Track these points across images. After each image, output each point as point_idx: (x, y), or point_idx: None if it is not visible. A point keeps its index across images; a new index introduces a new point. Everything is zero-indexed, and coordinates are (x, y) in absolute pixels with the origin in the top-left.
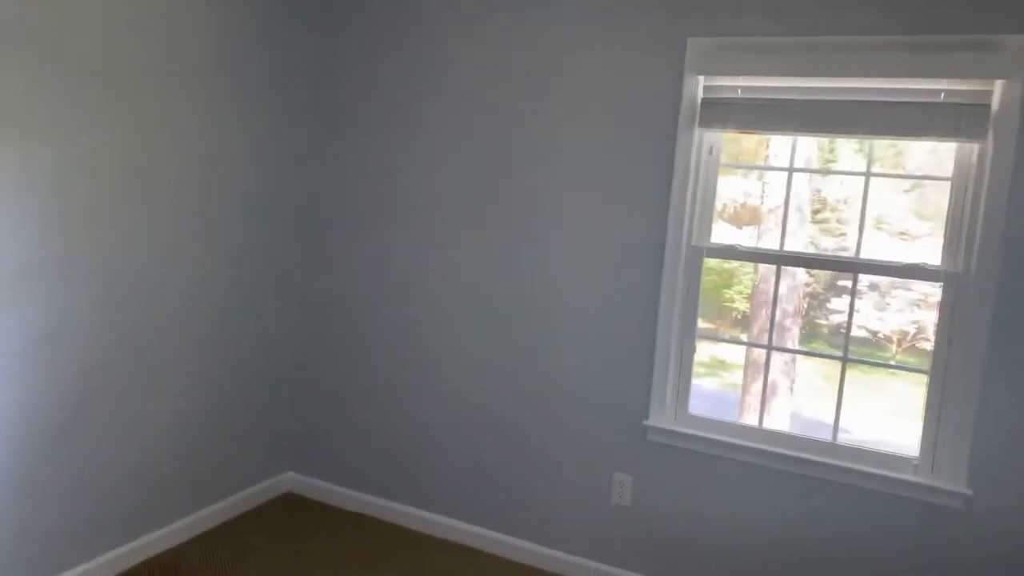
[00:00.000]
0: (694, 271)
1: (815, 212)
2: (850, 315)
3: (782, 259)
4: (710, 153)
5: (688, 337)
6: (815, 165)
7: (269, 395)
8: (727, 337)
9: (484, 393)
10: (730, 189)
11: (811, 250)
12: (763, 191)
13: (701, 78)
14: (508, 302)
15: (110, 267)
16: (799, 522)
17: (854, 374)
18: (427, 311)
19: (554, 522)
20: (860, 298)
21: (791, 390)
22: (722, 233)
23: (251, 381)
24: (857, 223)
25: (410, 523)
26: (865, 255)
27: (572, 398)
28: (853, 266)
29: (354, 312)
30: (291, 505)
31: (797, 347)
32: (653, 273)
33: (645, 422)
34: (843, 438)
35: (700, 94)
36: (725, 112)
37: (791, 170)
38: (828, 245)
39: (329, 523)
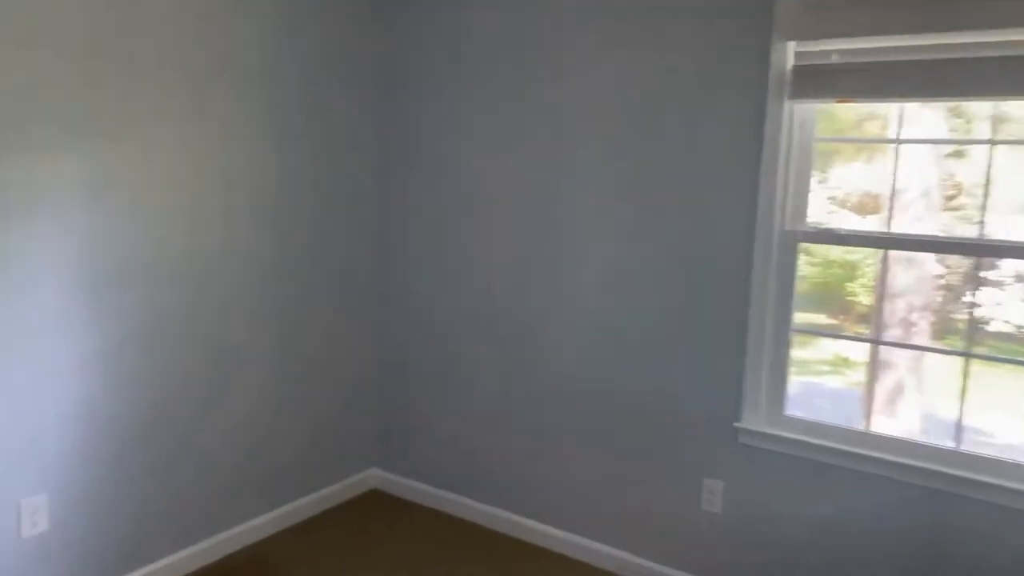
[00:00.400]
0: (788, 258)
1: (949, 198)
2: (980, 307)
3: (890, 242)
4: (802, 127)
5: (782, 332)
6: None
7: (352, 392)
8: (832, 332)
9: (568, 396)
10: (847, 172)
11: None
12: (889, 173)
13: (791, 44)
14: (587, 299)
15: (192, 268)
16: (912, 537)
17: (995, 373)
18: (507, 310)
19: (642, 528)
20: (1002, 289)
21: (919, 390)
22: (840, 221)
23: (334, 378)
24: (997, 209)
25: (495, 524)
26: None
27: (658, 398)
28: (981, 249)
29: (439, 311)
30: (376, 502)
31: (928, 344)
32: (742, 261)
33: (736, 424)
34: (977, 445)
35: (790, 61)
36: (820, 80)
37: (898, 141)
38: (965, 234)
39: (413, 521)
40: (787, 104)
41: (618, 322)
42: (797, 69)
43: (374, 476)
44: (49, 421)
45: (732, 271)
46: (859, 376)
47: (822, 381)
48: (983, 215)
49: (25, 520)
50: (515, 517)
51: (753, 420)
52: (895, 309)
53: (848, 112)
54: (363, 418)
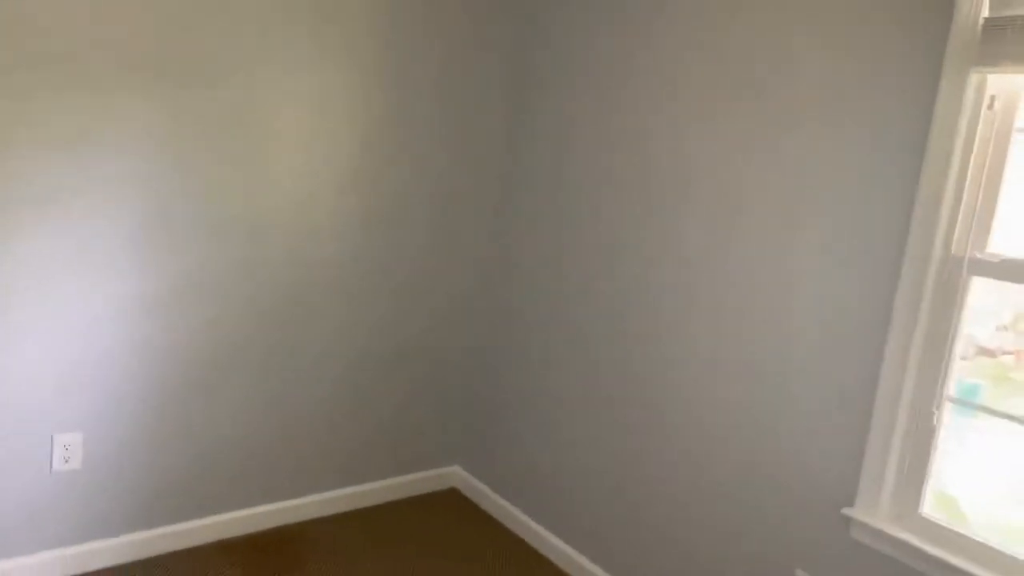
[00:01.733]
0: (949, 295)
1: None
2: None
3: None
4: (991, 107)
5: (930, 395)
6: None
7: (446, 385)
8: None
9: (669, 453)
10: None
11: None
12: None
13: None
14: (705, 349)
15: (290, 229)
16: None
17: None
18: (622, 348)
19: None
20: None
21: None
22: None
23: (430, 365)
24: None
25: (565, 565)
26: None
27: (760, 465)
28: None
29: (543, 327)
30: (450, 503)
31: None
32: (878, 294)
33: (846, 511)
34: None
35: (983, 13)
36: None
37: None
38: None
39: (485, 534)
40: (973, 74)
41: (735, 369)
42: (991, 24)
43: (457, 475)
44: (91, 361)
45: (863, 305)
46: None
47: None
48: None
49: (57, 455)
50: (591, 566)
51: (871, 512)
52: None
53: None
54: (453, 413)
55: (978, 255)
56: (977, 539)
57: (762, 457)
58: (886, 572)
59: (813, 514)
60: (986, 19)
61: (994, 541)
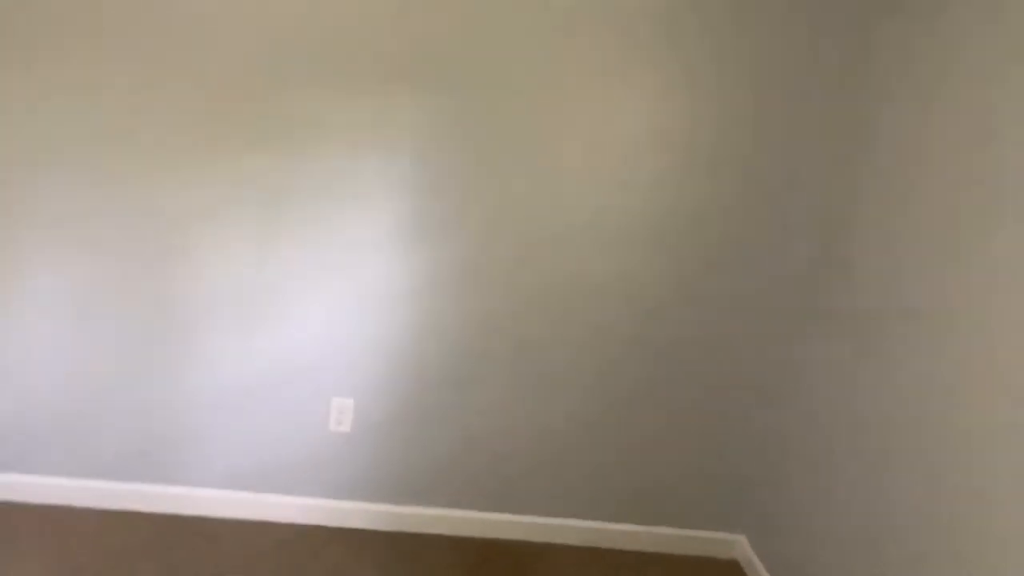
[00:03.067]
0: None
1: None
2: None
3: None
4: None
5: None
6: None
7: (736, 439)
8: None
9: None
10: None
11: None
12: None
13: None
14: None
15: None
16: None
17: None
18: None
19: None
20: None
21: None
22: None
23: (722, 403)
24: None
25: None
26: None
27: None
28: None
29: (842, 401)
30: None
31: None
32: None
33: None
34: None
35: None
36: None
37: None
38: None
39: None
40: None
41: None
42: None
43: (740, 546)
44: (367, 336)
45: None
46: None
47: None
48: None
49: (332, 417)
50: None
51: None
52: None
53: None
54: (739, 472)
55: None
56: None
57: None
58: None
59: None
60: None
61: None
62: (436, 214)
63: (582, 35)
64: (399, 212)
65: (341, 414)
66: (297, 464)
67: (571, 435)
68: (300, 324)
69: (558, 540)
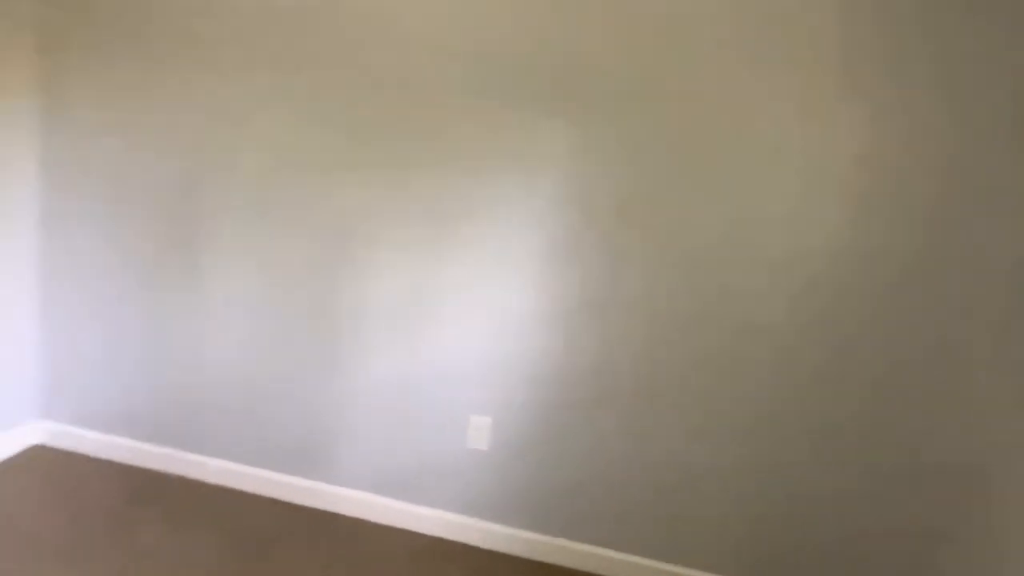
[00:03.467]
0: None
1: None
2: None
3: None
4: None
5: None
6: None
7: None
8: None
9: None
10: None
11: None
12: None
13: None
14: None
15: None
16: None
17: None
18: None
19: None
20: None
21: None
22: None
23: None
24: None
25: None
26: None
27: None
28: None
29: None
30: None
31: None
32: None
33: None
34: None
35: None
36: None
37: None
38: None
39: None
40: None
41: None
42: None
43: None
44: (506, 356)
45: None
46: None
47: None
48: None
49: (471, 434)
50: None
51: None
52: None
53: None
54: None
55: None
56: None
57: None
58: None
59: None
60: None
61: None
62: (587, 240)
63: (773, 63)
64: (539, 239)
65: (479, 432)
66: (434, 476)
67: (726, 479)
68: (449, 340)
69: None
